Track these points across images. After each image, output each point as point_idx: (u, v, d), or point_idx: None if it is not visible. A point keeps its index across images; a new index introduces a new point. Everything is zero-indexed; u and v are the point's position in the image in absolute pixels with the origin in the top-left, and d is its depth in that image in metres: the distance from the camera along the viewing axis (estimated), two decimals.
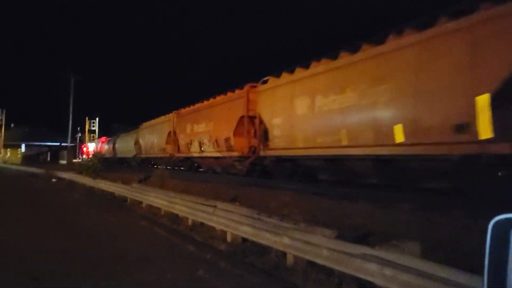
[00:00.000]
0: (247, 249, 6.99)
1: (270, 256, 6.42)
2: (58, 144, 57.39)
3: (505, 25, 6.89)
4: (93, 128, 40.61)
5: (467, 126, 7.35)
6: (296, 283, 5.33)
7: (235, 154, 15.97)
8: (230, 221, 7.58)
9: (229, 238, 7.62)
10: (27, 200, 16.03)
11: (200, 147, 19.35)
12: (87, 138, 41.22)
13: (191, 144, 20.58)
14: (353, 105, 10.16)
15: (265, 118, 14.06)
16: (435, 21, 8.42)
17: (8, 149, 62.04)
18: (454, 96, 7.78)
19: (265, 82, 14.72)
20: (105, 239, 8.47)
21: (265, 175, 14.70)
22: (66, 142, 47.72)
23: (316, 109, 11.57)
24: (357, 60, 10.37)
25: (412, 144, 8.57)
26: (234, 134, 15.80)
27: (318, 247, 5.21)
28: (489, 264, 0.90)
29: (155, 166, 26.49)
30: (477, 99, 7.11)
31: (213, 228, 8.34)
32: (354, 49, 10.68)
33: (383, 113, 9.42)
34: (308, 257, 5.46)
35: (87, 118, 40.44)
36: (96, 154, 30.84)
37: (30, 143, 63.85)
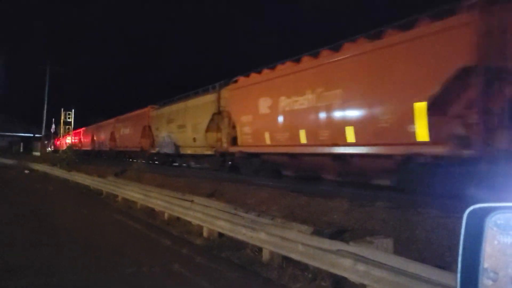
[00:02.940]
0: (223, 244, 6.99)
1: (246, 251, 6.44)
2: (32, 135, 55.95)
3: (434, 41, 7.93)
4: (68, 120, 39.66)
5: (407, 129, 8.34)
6: (271, 278, 5.36)
7: (207, 151, 17.13)
8: (207, 216, 7.55)
9: (205, 233, 7.59)
10: None
11: (181, 142, 19.98)
12: (62, 130, 40.21)
13: (167, 140, 21.26)
14: (312, 106, 11.16)
15: (235, 116, 15.05)
16: (383, 33, 9.35)
17: None
18: (396, 102, 8.78)
19: (235, 81, 15.67)
20: (79, 233, 8.33)
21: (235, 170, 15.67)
22: (40, 134, 46.62)
23: (280, 109, 12.48)
24: (316, 65, 11.30)
25: (362, 144, 9.70)
26: (206, 130, 17.04)
27: (294, 242, 5.25)
28: (463, 253, 0.92)
29: (130, 160, 26.62)
30: (415, 105, 8.01)
31: (190, 222, 8.30)
32: (314, 54, 11.59)
33: (337, 115, 10.50)
34: (284, 252, 5.49)
35: (62, 109, 39.44)
36: (71, 146, 30.17)
37: (2, 133, 61.97)
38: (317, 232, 5.19)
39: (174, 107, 21.32)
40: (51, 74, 39.81)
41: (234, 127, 15.03)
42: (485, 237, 0.91)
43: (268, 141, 12.96)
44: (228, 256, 6.42)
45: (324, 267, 4.74)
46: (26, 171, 26.27)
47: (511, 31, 6.87)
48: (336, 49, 10.69)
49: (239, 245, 6.66)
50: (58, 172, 21.65)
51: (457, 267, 0.93)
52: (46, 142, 45.70)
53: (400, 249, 4.81)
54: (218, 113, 16.26)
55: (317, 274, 5.02)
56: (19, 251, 6.56)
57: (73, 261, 6.12)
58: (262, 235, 5.91)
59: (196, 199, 8.34)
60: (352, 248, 4.38)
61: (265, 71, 13.72)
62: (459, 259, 0.92)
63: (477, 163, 7.05)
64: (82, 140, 43.15)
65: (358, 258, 4.23)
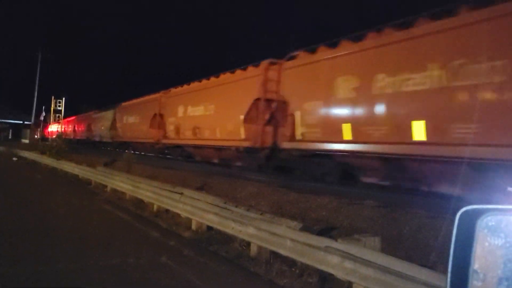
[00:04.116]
0: (211, 237, 6.98)
1: (234, 245, 6.44)
2: (21, 122, 55.28)
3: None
4: (59, 108, 39.10)
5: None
6: (259, 273, 5.37)
7: (245, 144, 13.28)
8: (196, 208, 7.53)
9: (194, 226, 7.57)
10: None
11: (195, 133, 16.76)
12: (52, 117, 39.76)
13: (182, 129, 18.09)
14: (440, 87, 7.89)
15: (292, 102, 11.71)
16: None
17: None
18: None
19: (292, 57, 12.15)
20: (67, 222, 8.27)
21: (283, 172, 12.56)
22: (30, 121, 46.07)
23: (374, 91, 9.10)
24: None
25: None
26: (245, 120, 13.24)
27: (283, 238, 5.26)
28: (454, 253, 0.92)
29: (135, 153, 23.88)
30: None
31: (179, 215, 8.27)
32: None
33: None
34: (272, 247, 5.50)
35: (52, 97, 38.98)
36: (61, 135, 29.85)
37: None
38: (306, 229, 5.20)
39: (196, 91, 17.72)
40: (42, 61, 39.34)
41: (288, 116, 11.76)
42: (476, 239, 0.91)
43: (347, 136, 9.70)
44: (216, 250, 6.42)
45: (311, 263, 4.76)
46: (14, 159, 26.01)
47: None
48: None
49: (227, 239, 6.66)
50: (47, 160, 21.44)
51: (447, 267, 0.92)
52: (36, 129, 45.16)
53: (387, 248, 4.85)
54: (263, 99, 12.54)
55: (305, 270, 5.04)
56: (5, 239, 6.48)
57: (60, 250, 6.07)
58: (251, 230, 5.91)
59: (186, 191, 8.30)
60: (340, 245, 4.40)
61: (345, 43, 10.34)
62: (450, 259, 0.92)
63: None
64: (76, 128, 42.32)
65: (346, 256, 4.25)
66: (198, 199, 7.69)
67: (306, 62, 11.51)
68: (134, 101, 25.86)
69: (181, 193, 8.29)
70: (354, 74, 9.66)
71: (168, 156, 20.80)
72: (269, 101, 12.42)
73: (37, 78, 38.96)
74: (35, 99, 39.67)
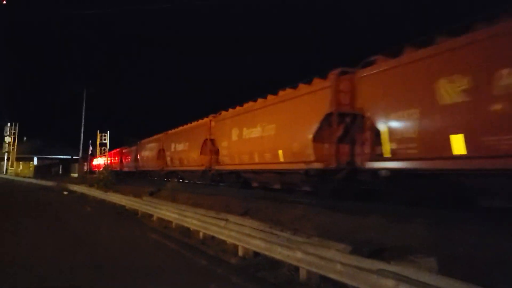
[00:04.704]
0: (259, 263, 6.92)
1: (282, 271, 6.35)
2: (70, 157, 57.94)
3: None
4: (104, 142, 40.77)
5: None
6: None
7: (315, 166, 11.72)
8: (242, 234, 7.52)
9: (240, 252, 7.55)
10: (40, 213, 16.08)
11: (253, 157, 15.43)
12: (98, 151, 41.43)
13: (238, 153, 16.97)
14: None
15: (373, 114, 10.11)
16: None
17: (21, 162, 62.77)
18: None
19: (369, 64, 10.64)
20: (117, 252, 8.47)
21: (364, 198, 10.74)
22: (78, 155, 48.16)
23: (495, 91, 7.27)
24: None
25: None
26: (314, 139, 11.75)
27: (332, 261, 5.14)
28: None
29: (182, 181, 23.32)
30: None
31: (224, 241, 8.29)
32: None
33: None
34: (321, 272, 5.38)
35: (98, 131, 40.74)
36: (108, 167, 30.91)
37: (42, 156, 64.55)
38: (356, 251, 5.06)
39: (251, 111, 16.38)
40: (87, 97, 41.32)
41: (368, 131, 10.22)
42: None
43: (459, 150, 7.78)
44: (264, 276, 6.35)
45: (364, 287, 4.60)
46: (65, 193, 27.13)
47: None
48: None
49: (275, 264, 6.58)
50: (95, 193, 22.22)
51: None
52: (83, 163, 47.10)
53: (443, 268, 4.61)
54: (336, 113, 11.00)
55: None
56: (61, 272, 6.70)
57: (112, 281, 6.20)
58: (299, 254, 5.82)
59: (231, 217, 8.33)
60: (393, 267, 4.24)
61: (443, 39, 8.53)
62: None
63: None
64: (121, 160, 43.41)
65: (401, 278, 4.08)
66: (243, 225, 7.68)
67: (390, 67, 9.82)
68: (181, 128, 25.21)
69: (226, 220, 8.32)
70: (464, 73, 7.77)
71: (221, 184, 19.68)
72: (342, 115, 10.96)
73: (83, 113, 40.91)
74: (82, 134, 41.58)
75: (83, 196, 23.80)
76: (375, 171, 9.87)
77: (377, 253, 5.21)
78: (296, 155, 12.63)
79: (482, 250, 4.95)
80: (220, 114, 19.80)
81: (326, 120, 11.26)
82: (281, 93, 14.53)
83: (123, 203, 16.67)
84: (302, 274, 5.81)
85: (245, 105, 17.08)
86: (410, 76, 9.18)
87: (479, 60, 7.62)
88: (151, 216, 13.07)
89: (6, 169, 57.60)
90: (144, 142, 33.92)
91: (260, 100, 15.82)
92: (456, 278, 3.77)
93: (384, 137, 9.57)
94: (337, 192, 11.30)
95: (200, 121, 22.06)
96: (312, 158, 11.75)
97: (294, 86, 13.70)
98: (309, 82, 12.81)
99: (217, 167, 19.12)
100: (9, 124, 56.12)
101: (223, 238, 8.28)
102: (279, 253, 6.29)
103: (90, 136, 41.55)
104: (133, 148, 37.56)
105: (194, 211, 10.15)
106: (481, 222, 6.43)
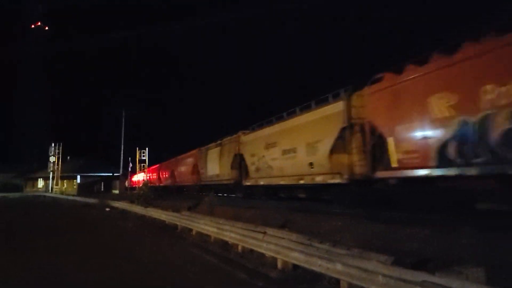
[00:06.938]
0: (298, 276, 6.88)
1: (323, 283, 6.28)
2: (111, 174, 59.80)
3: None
4: (143, 158, 41.92)
5: None
6: None
7: (334, 178, 12.57)
8: (280, 247, 7.50)
9: (279, 265, 7.52)
10: (84, 230, 16.64)
11: (282, 172, 16.30)
12: (137, 167, 42.60)
13: (264, 169, 17.84)
14: None
15: (383, 127, 10.65)
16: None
17: (65, 181, 65.27)
18: None
19: (375, 81, 11.31)
20: (159, 267, 8.62)
21: (380, 206, 10.80)
22: (119, 172, 49.64)
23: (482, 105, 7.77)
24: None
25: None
26: (331, 152, 12.71)
27: (374, 273, 5.04)
28: None
29: (217, 195, 23.33)
30: None
31: (263, 254, 8.28)
32: None
33: None
34: (363, 284, 5.27)
35: (137, 148, 41.95)
36: (147, 183, 31.60)
37: (85, 174, 66.89)
38: (399, 262, 4.93)
39: (276, 127, 17.37)
40: (127, 117, 42.76)
41: (379, 143, 10.66)
42: None
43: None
44: None
45: None
46: (107, 209, 27.90)
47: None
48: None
49: (315, 277, 6.51)
50: (135, 208, 22.73)
51: None
52: (124, 180, 48.44)
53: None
54: (350, 127, 11.86)
55: None
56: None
57: None
58: (339, 266, 5.75)
59: (269, 230, 8.32)
60: (439, 279, 4.11)
61: (437, 56, 9.09)
62: None
63: None
64: (160, 176, 44.44)
65: None
66: (282, 237, 7.66)
67: (399, 82, 10.24)
68: (213, 143, 26.26)
69: (264, 232, 8.33)
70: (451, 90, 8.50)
71: (252, 197, 20.16)
72: (355, 128, 11.65)
73: (122, 132, 42.32)
74: (122, 152, 42.97)
75: (124, 212, 24.40)
76: (386, 180, 10.36)
77: (420, 264, 5.06)
78: (317, 168, 13.58)
79: None
80: (249, 130, 20.73)
81: (341, 134, 12.21)
82: (304, 112, 15.40)
83: (163, 218, 16.98)
84: (343, 287, 5.72)
85: (274, 124, 17.91)
86: (412, 92, 9.74)
87: (468, 78, 8.21)
88: (190, 230, 13.24)
89: (52, 188, 59.98)
90: (180, 158, 34.74)
91: (284, 119, 16.85)
92: None
93: (391, 149, 10.18)
94: (355, 201, 11.87)
95: (230, 136, 22.79)
96: (329, 170, 12.72)
97: (315, 106, 14.65)
98: (325, 99, 13.84)
99: (245, 181, 19.97)
100: (53, 144, 58.58)
101: (262, 251, 8.28)
102: (318, 265, 6.23)
103: (130, 153, 42.87)
104: (169, 164, 38.42)
105: (232, 224, 10.21)
106: None
